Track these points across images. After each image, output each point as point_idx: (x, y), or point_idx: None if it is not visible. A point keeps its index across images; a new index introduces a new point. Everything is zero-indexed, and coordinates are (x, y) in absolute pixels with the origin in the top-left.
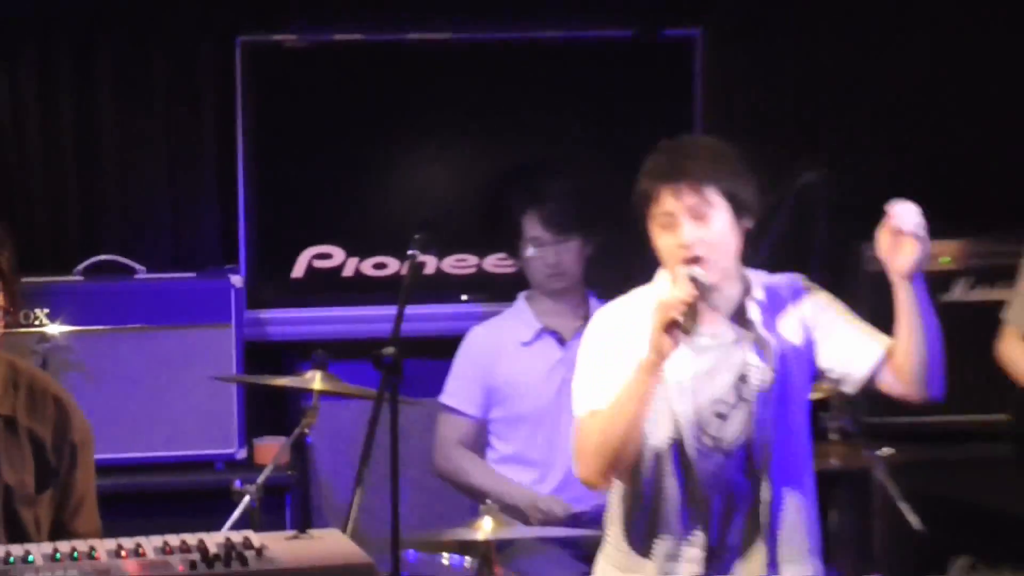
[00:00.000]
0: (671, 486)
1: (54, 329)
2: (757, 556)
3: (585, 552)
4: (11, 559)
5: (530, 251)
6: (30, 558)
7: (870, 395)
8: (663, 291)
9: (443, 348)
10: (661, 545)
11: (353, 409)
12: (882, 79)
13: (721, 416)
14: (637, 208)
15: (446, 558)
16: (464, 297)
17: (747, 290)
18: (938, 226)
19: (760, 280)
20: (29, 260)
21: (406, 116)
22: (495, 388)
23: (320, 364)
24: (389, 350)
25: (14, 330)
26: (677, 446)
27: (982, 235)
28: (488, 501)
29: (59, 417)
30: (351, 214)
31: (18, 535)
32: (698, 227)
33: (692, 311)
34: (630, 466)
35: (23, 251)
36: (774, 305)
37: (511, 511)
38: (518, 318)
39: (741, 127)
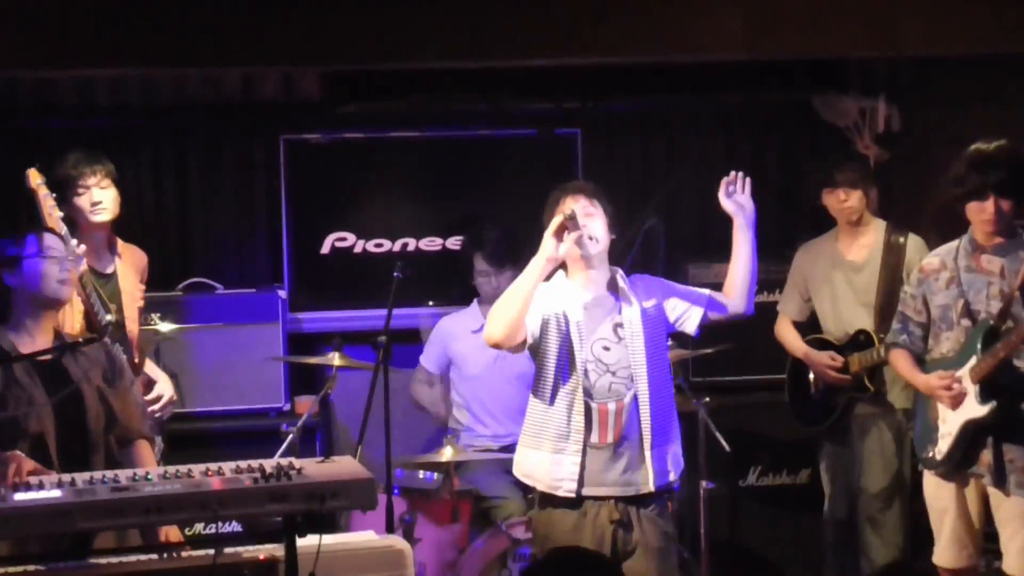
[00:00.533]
0: (575, 399)
1: (164, 327)
2: (646, 440)
3: (511, 468)
4: (137, 477)
5: (479, 279)
6: (149, 476)
7: (696, 360)
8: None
9: (418, 336)
10: (555, 432)
11: (359, 377)
12: (688, 162)
13: (607, 349)
14: (547, 213)
15: (421, 474)
16: (431, 303)
17: (614, 275)
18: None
19: (623, 274)
20: (148, 281)
21: (392, 186)
22: (453, 356)
23: (337, 347)
24: (382, 338)
25: (141, 327)
26: (570, 368)
27: (760, 260)
28: (452, 435)
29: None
30: (356, 254)
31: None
32: (587, 220)
33: (570, 225)
34: (520, 332)
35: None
36: (634, 284)
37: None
38: (471, 314)
39: (604, 185)
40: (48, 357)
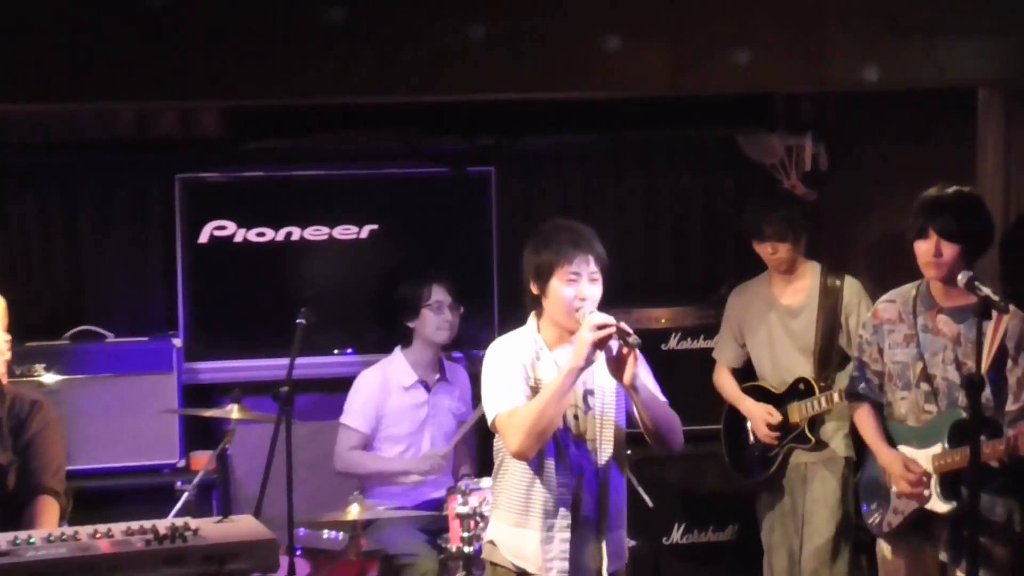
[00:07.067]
0: (550, 465)
1: (48, 378)
2: (603, 521)
3: (423, 526)
4: (18, 541)
5: (429, 312)
6: (32, 540)
7: None
8: (593, 319)
9: (322, 386)
10: (542, 507)
11: (260, 430)
12: (608, 202)
13: (576, 417)
14: (544, 265)
15: (326, 533)
16: (335, 351)
17: None
18: (659, 300)
19: None
20: (32, 330)
21: (292, 225)
22: (383, 415)
23: (236, 399)
24: (284, 388)
25: (21, 379)
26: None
27: (683, 305)
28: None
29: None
30: (254, 296)
31: None
32: (592, 287)
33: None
34: (545, 443)
35: (28, 324)
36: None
37: (397, 476)
38: (398, 368)
39: (519, 226)
40: None
